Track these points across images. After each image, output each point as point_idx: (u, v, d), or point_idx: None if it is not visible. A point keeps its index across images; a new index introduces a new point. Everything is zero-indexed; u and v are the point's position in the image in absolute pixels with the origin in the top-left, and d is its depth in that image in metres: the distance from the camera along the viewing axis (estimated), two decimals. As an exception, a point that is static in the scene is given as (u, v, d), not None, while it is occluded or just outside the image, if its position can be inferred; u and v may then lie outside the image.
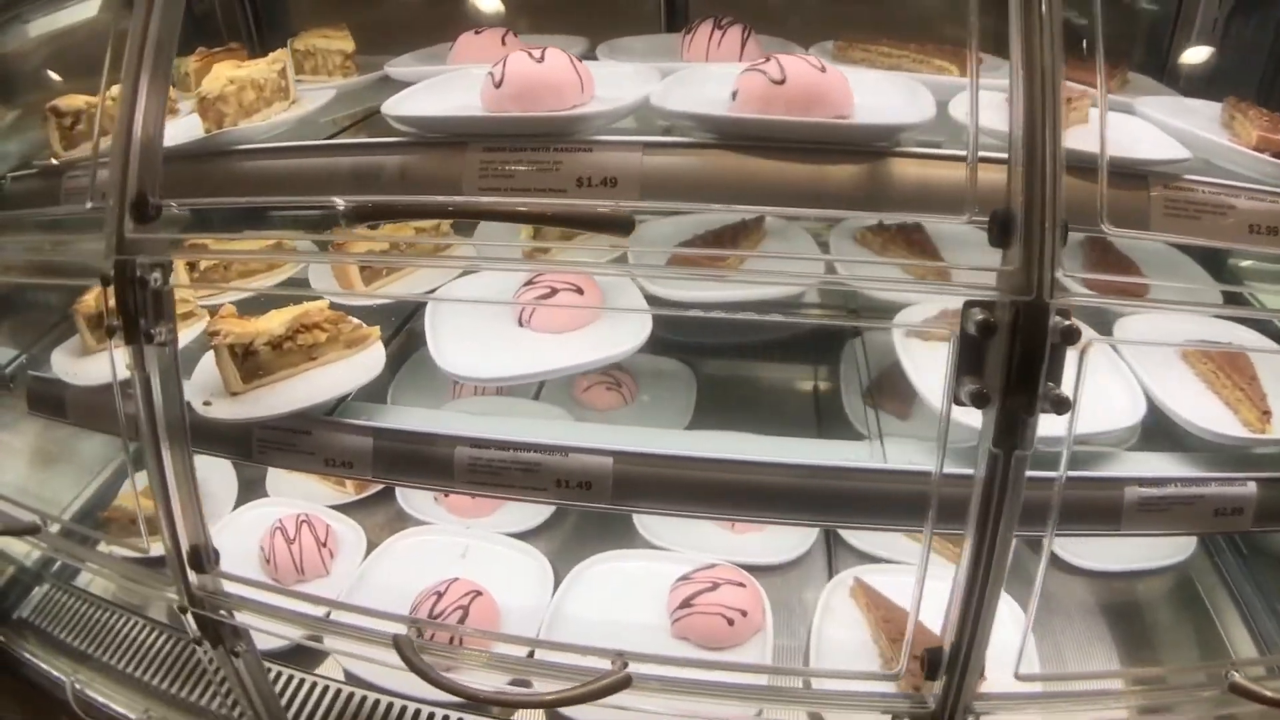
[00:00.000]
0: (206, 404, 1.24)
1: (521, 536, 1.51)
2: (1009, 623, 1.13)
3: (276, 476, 1.75)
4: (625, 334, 1.24)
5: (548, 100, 1.09)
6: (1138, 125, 1.14)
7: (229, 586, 1.26)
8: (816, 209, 0.96)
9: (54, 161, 1.40)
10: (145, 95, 1.05)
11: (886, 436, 1.46)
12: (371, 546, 1.53)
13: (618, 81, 1.17)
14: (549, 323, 1.28)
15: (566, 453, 1.10)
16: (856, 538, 1.42)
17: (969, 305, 0.84)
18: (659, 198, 0.99)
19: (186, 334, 1.48)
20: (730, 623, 1.25)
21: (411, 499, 1.61)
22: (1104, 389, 1.15)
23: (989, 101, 0.94)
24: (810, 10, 1.60)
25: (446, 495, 1.57)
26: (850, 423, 1.52)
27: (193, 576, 1.23)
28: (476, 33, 1.38)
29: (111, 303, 1.08)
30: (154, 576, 1.32)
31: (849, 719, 1.10)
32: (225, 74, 1.28)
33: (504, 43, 1.38)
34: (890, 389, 1.62)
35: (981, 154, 0.85)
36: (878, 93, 1.09)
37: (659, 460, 1.07)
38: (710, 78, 1.15)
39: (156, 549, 1.27)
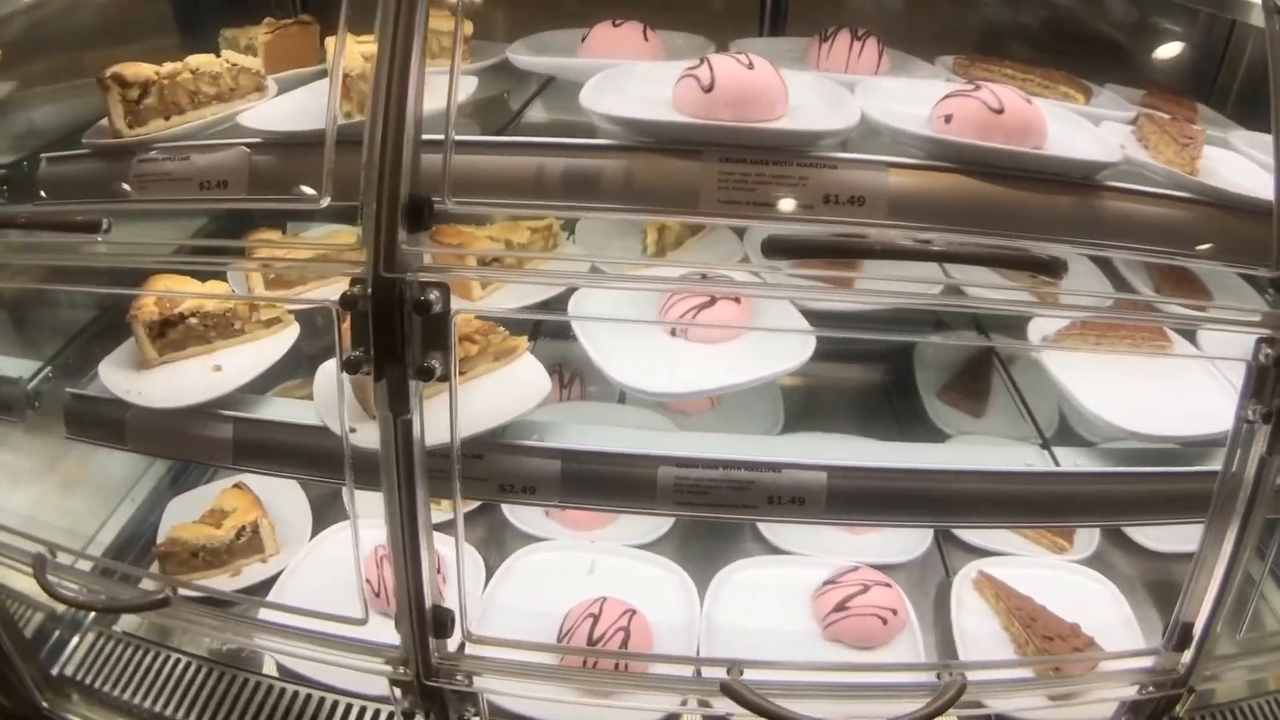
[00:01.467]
0: (351, 430, 1.10)
1: (642, 548, 1.43)
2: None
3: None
4: (787, 346, 1.20)
5: (760, 109, 1.04)
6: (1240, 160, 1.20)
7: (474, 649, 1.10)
8: (1084, 242, 0.98)
9: (118, 140, 1.17)
10: (417, 56, 0.88)
11: (977, 435, 1.56)
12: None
13: (799, 90, 1.14)
14: (705, 334, 1.24)
15: (779, 469, 1.07)
16: (967, 534, 1.50)
17: (1261, 341, 0.92)
18: (906, 219, 0.96)
19: (273, 344, 1.31)
20: (884, 622, 1.28)
21: (520, 512, 1.49)
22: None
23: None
24: (899, 19, 1.64)
25: (563, 509, 1.49)
26: (931, 421, 1.60)
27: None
28: (615, 25, 1.29)
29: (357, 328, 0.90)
30: (359, 648, 1.10)
31: (1099, 692, 1.16)
32: (359, 49, 1.12)
33: (646, 38, 1.31)
34: (965, 388, 1.72)
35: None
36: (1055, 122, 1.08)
37: (874, 473, 1.07)
38: (896, 96, 1.13)
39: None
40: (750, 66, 1.04)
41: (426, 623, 1.06)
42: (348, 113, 1.05)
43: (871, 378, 1.79)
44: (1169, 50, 1.64)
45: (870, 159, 0.97)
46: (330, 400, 1.14)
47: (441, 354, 0.90)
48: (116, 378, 1.26)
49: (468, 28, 1.32)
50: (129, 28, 1.54)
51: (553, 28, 1.44)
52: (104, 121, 1.25)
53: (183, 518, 1.46)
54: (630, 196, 0.96)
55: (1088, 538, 1.48)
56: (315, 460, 1.13)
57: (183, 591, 1.26)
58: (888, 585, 1.30)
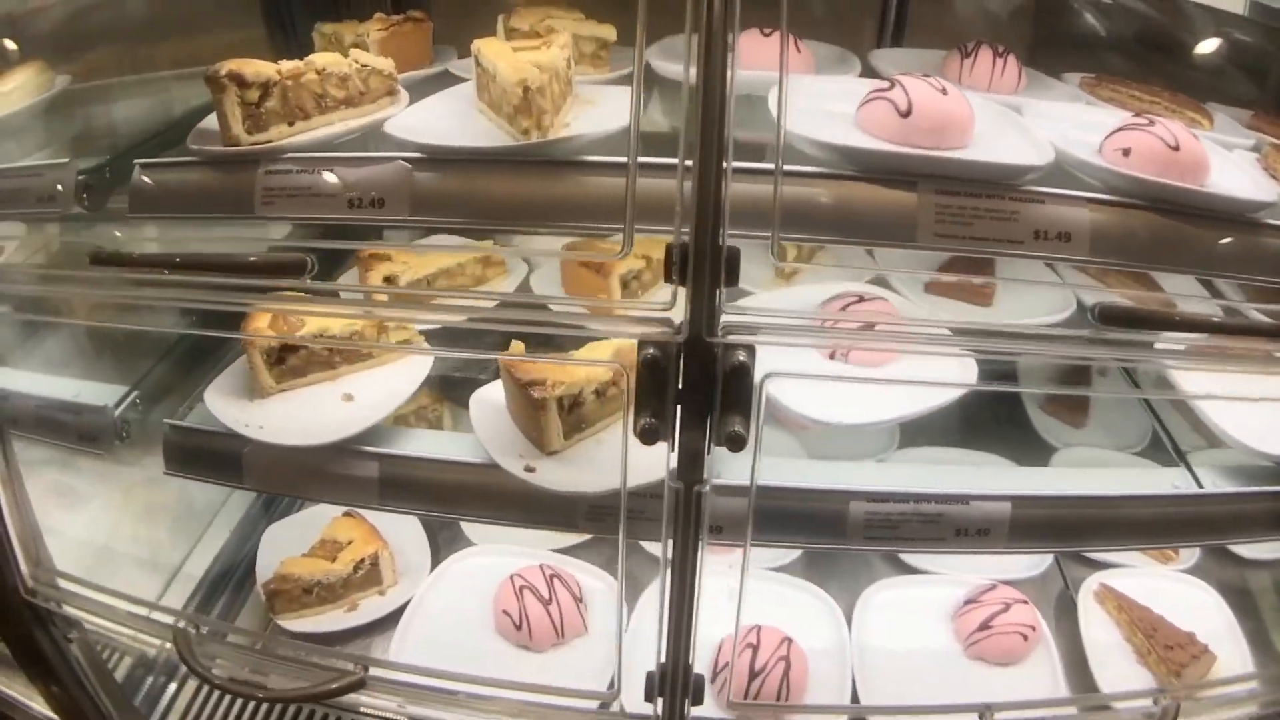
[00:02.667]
0: (529, 469, 1.02)
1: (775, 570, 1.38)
2: None
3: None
4: (947, 369, 1.16)
5: (953, 136, 0.99)
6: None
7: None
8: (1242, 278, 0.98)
9: (236, 149, 1.04)
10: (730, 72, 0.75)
11: (1081, 446, 1.56)
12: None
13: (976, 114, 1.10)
14: (866, 356, 1.20)
15: (968, 501, 1.04)
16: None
17: None
18: (1106, 255, 0.93)
19: (406, 369, 1.20)
20: (1025, 638, 1.29)
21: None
22: None
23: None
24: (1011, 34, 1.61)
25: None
26: (1036, 431, 1.59)
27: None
28: (765, 34, 1.22)
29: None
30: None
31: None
32: (530, 58, 1.02)
33: (799, 48, 1.24)
34: (1067, 399, 1.72)
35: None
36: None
37: (1055, 501, 1.05)
38: (1062, 121, 1.09)
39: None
40: (944, 92, 0.99)
41: (687, 691, 1.00)
42: (525, 129, 0.96)
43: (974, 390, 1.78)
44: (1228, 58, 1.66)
45: (1073, 194, 0.93)
46: (496, 434, 1.06)
47: (744, 419, 0.81)
48: (228, 408, 1.14)
49: (608, 32, 1.23)
50: (204, 17, 1.38)
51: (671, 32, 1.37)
52: (202, 123, 1.13)
53: (284, 547, 1.34)
54: (850, 228, 0.91)
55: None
56: (478, 499, 1.04)
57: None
58: (1025, 602, 1.30)
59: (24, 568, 1.10)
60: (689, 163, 0.79)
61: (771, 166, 0.83)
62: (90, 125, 1.35)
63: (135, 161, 1.09)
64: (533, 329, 0.98)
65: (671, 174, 0.88)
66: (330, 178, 0.98)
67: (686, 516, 0.88)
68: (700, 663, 1.21)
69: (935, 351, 1.19)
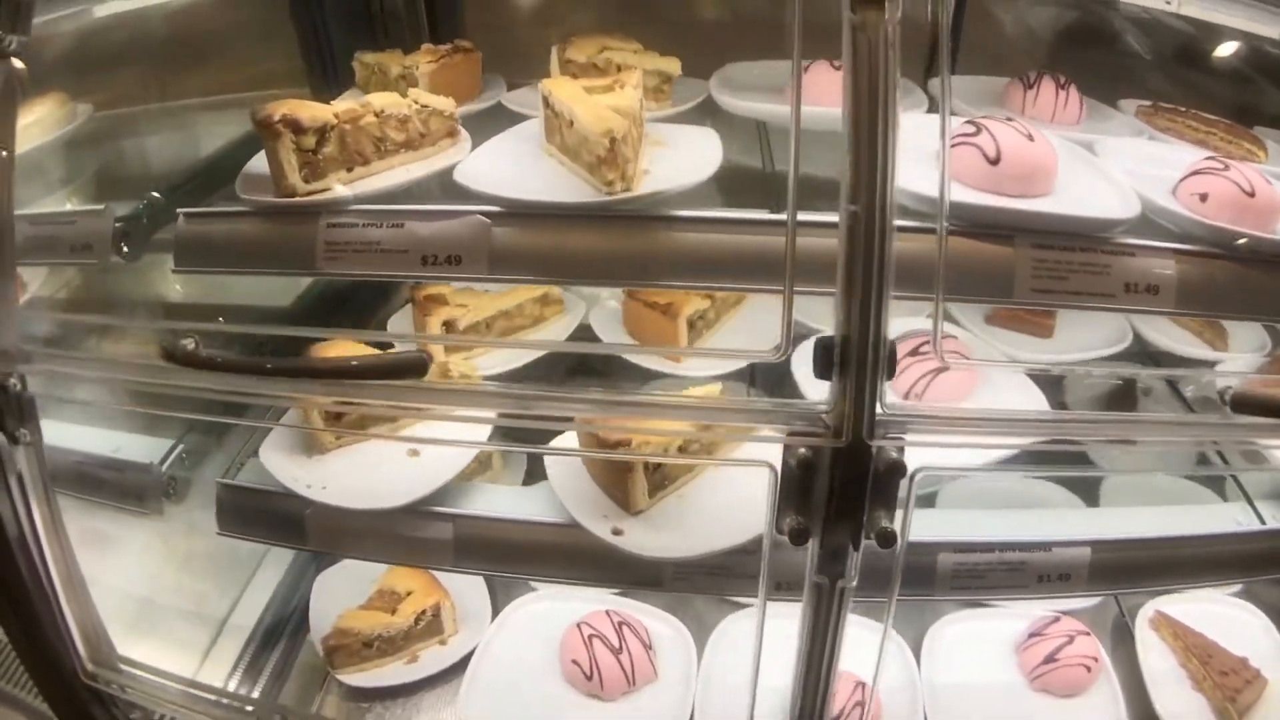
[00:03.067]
0: (617, 532, 0.98)
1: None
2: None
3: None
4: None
5: (1041, 183, 0.97)
6: None
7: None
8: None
9: (292, 199, 0.98)
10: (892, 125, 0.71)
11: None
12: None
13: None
14: (950, 391, 1.17)
15: (1049, 548, 1.03)
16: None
17: None
18: (1191, 306, 0.91)
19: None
20: (1089, 670, 1.29)
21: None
22: None
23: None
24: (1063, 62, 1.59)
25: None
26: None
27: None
28: (835, 67, 1.18)
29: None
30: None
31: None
32: (608, 102, 0.96)
33: None
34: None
35: None
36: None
37: (1132, 545, 1.04)
38: (1135, 160, 1.06)
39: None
40: (1030, 138, 0.96)
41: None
42: (610, 182, 0.92)
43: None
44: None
45: (1162, 246, 0.91)
46: (575, 491, 1.02)
47: (889, 512, 0.78)
48: (286, 466, 1.09)
49: (673, 65, 1.18)
50: (234, 44, 1.31)
51: (728, 58, 1.32)
52: (249, 166, 1.06)
53: (338, 597, 1.29)
54: (951, 285, 0.89)
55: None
56: (559, 561, 1.01)
57: None
58: (1087, 634, 1.30)
59: (83, 651, 1.05)
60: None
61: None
62: (118, 161, 1.28)
63: (179, 211, 1.02)
64: (648, 409, 0.91)
65: (765, 229, 0.86)
66: (402, 233, 0.93)
67: (829, 611, 0.86)
68: (771, 710, 1.21)
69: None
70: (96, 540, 1.25)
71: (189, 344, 0.86)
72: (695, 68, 1.24)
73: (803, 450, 0.76)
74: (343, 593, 1.31)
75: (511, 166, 1.00)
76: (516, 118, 1.18)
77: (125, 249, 1.11)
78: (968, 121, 1.00)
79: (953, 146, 0.99)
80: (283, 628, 1.33)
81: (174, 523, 1.29)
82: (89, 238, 1.09)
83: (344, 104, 1.01)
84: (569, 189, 0.94)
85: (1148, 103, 1.36)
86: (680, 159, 1.01)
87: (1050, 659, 1.27)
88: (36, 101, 1.23)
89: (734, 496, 1.02)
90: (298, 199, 0.96)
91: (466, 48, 1.22)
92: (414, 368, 0.82)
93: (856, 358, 0.74)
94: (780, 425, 0.78)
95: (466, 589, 1.32)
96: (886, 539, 0.77)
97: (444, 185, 1.00)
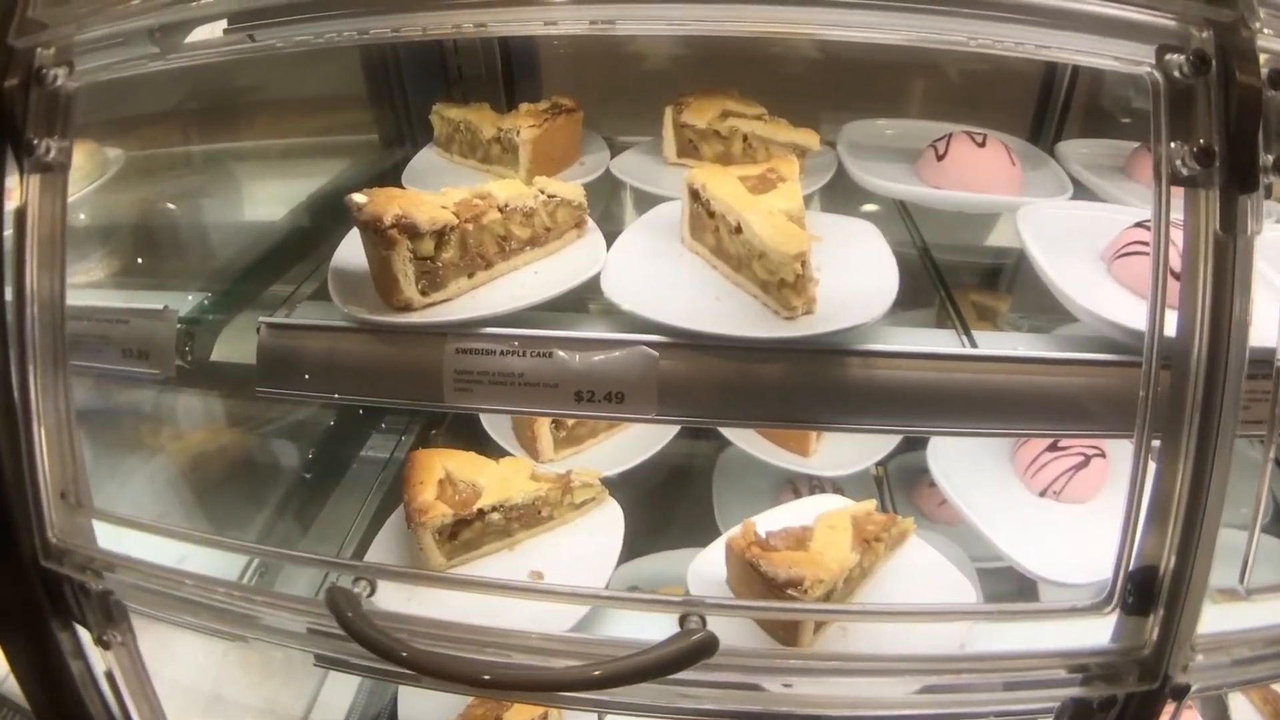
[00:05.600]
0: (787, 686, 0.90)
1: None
2: None
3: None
4: None
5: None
6: None
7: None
8: None
9: (406, 316, 0.82)
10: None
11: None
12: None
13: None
14: (1080, 492, 1.13)
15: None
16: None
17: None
18: None
19: (588, 528, 1.02)
20: None
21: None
22: None
23: None
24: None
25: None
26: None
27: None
28: (979, 144, 1.03)
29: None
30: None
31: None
32: (778, 205, 0.80)
33: (1013, 161, 1.06)
34: None
35: None
36: None
37: None
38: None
39: None
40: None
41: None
42: (794, 308, 0.78)
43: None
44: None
45: None
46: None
47: None
48: (394, 596, 0.97)
49: (810, 139, 1.02)
50: (294, 89, 1.09)
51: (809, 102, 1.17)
52: (338, 258, 0.89)
53: (429, 702, 1.20)
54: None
55: None
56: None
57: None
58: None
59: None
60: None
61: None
62: (165, 228, 1.08)
63: (262, 321, 0.85)
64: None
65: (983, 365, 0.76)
66: (550, 365, 0.80)
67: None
68: None
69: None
70: (156, 640, 1.12)
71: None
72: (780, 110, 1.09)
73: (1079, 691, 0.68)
74: (432, 697, 1.21)
75: (659, 274, 0.86)
76: (641, 197, 1.03)
77: (190, 355, 0.94)
78: (1139, 225, 0.90)
79: (1126, 254, 0.89)
80: (370, 736, 1.23)
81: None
82: (145, 343, 0.91)
83: (460, 195, 0.85)
84: (738, 308, 0.81)
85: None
86: (849, 262, 0.88)
87: None
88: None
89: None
90: (415, 317, 0.81)
91: (569, 106, 1.05)
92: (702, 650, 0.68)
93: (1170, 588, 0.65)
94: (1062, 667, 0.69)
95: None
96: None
97: (590, 294, 0.86)
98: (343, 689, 1.25)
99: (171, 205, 1.07)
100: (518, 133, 1.00)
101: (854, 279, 0.84)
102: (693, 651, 0.69)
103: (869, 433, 1.05)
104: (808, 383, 0.77)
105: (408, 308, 0.81)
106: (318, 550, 1.14)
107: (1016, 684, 0.72)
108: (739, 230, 0.82)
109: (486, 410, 0.82)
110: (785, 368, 0.77)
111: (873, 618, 0.92)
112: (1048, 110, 1.34)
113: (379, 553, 1.02)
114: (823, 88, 1.26)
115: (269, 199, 1.10)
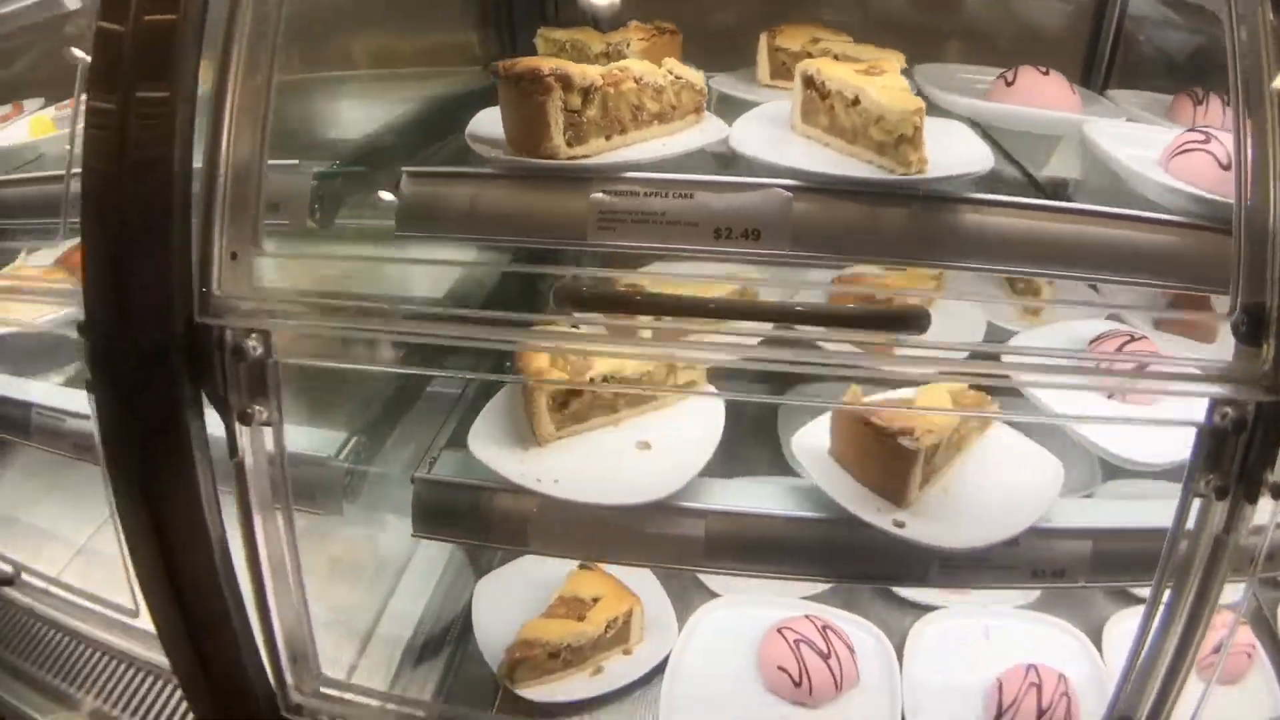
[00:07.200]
0: (899, 525, 0.92)
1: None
2: None
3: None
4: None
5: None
6: None
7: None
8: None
9: (555, 161, 0.88)
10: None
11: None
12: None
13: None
14: (1140, 396, 1.19)
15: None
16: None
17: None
18: None
19: (689, 411, 1.05)
20: (1249, 658, 1.33)
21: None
22: None
23: None
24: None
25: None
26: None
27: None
28: (1044, 73, 1.18)
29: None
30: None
31: None
32: (886, 84, 0.92)
33: (1073, 91, 1.19)
34: None
35: None
36: None
37: None
38: None
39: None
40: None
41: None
42: (909, 162, 0.86)
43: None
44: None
45: None
46: (831, 485, 0.96)
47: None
48: (504, 460, 0.97)
49: (900, 61, 1.14)
50: (403, 15, 1.17)
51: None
52: (473, 126, 0.95)
53: (504, 606, 1.15)
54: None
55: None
56: (823, 558, 0.95)
57: None
58: (1244, 624, 1.35)
59: (289, 677, 0.89)
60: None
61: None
62: (284, 128, 1.13)
63: (404, 170, 0.90)
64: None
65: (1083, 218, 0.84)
66: (691, 204, 0.86)
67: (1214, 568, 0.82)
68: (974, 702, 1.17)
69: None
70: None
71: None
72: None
73: (1225, 410, 0.74)
74: (510, 601, 1.17)
75: (780, 146, 0.94)
76: (734, 101, 1.13)
77: (319, 212, 0.97)
78: (1192, 130, 1.03)
79: (1184, 152, 1.01)
80: (443, 642, 1.17)
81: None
82: (279, 195, 0.95)
83: (602, 68, 0.93)
84: (857, 170, 0.89)
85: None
86: (948, 146, 0.97)
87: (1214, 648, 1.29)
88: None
89: (998, 484, 0.99)
90: (564, 162, 0.87)
91: (670, 29, 1.15)
92: (917, 320, 0.74)
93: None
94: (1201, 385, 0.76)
95: (647, 595, 1.21)
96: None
97: (716, 159, 0.93)
98: (409, 601, 1.21)
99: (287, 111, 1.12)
100: (628, 44, 1.09)
101: (954, 154, 0.93)
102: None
103: (978, 271, 1.10)
104: (926, 227, 0.85)
105: (554, 155, 0.87)
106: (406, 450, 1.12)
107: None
108: (855, 102, 0.90)
109: (627, 247, 0.86)
110: (905, 213, 0.85)
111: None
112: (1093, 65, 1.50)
113: (483, 430, 1.02)
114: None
115: (379, 108, 1.16)
